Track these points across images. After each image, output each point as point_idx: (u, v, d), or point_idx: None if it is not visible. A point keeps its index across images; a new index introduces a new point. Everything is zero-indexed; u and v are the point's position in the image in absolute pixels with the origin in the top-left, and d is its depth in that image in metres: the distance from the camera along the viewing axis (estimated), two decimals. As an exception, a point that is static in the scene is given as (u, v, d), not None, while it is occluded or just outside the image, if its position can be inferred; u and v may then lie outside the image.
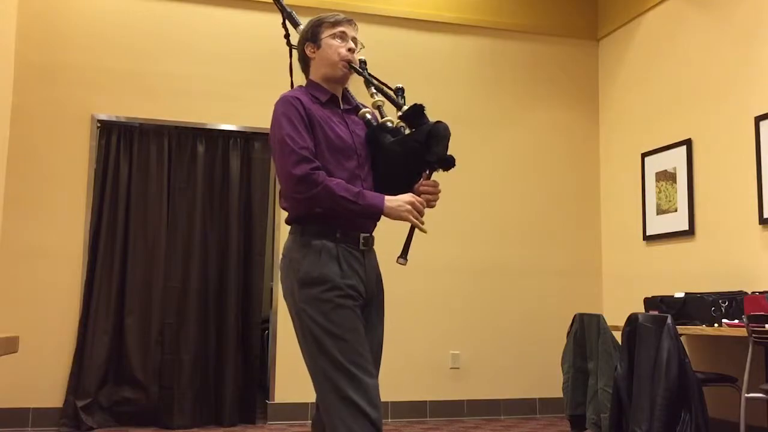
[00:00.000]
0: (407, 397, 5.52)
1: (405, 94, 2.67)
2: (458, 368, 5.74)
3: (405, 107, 2.50)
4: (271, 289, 5.59)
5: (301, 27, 2.89)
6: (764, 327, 3.56)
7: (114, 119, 5.27)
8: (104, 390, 5.00)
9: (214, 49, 5.51)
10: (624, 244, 5.89)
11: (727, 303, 4.20)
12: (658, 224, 5.48)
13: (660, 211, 5.46)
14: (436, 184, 2.44)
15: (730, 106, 4.86)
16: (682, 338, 3.99)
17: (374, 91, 2.64)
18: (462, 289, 5.79)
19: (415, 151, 2.42)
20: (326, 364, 2.24)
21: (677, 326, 3.88)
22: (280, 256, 2.46)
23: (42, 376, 4.94)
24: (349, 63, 2.47)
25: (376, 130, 2.50)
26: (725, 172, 4.88)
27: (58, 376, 4.96)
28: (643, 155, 5.66)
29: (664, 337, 3.76)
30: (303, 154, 2.28)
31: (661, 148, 5.47)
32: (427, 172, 2.43)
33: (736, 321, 4.04)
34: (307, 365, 2.33)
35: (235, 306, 5.30)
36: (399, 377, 5.44)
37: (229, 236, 5.36)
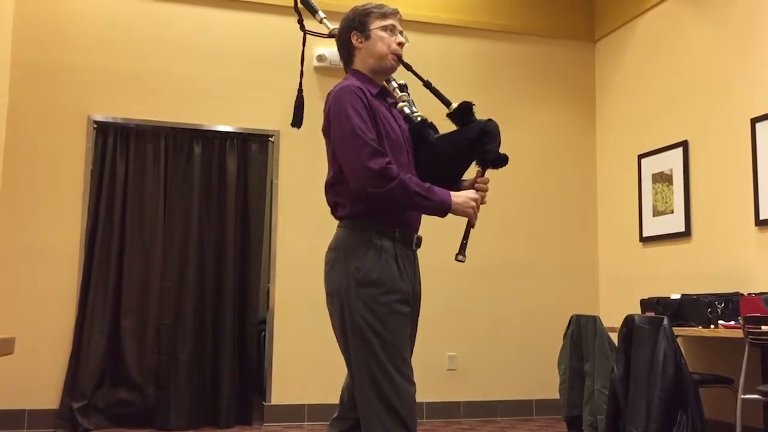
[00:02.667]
0: (404, 399, 5.51)
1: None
2: (455, 369, 5.74)
3: (453, 105, 2.49)
4: (268, 290, 5.58)
5: (320, 14, 2.87)
6: (760, 328, 3.56)
7: (110, 120, 5.26)
8: (100, 391, 4.99)
9: (210, 50, 5.50)
10: (620, 245, 5.89)
11: (723, 304, 4.20)
12: (654, 226, 5.48)
13: (656, 213, 5.47)
14: (488, 181, 2.45)
15: (726, 107, 4.87)
16: (679, 339, 3.99)
17: (395, 86, 2.63)
18: (459, 291, 5.79)
19: (466, 148, 2.42)
20: (374, 367, 2.21)
21: (673, 327, 3.88)
22: (328, 249, 2.38)
23: (38, 378, 4.93)
24: (398, 57, 2.46)
25: (420, 126, 2.48)
26: (721, 173, 4.89)
27: (54, 377, 4.95)
28: (640, 157, 5.67)
29: (661, 339, 3.76)
30: (376, 147, 2.23)
31: (657, 149, 5.47)
32: (481, 169, 2.45)
33: (732, 322, 4.04)
34: (348, 362, 2.30)
35: (231, 307, 5.29)
36: (396, 378, 5.44)
37: (226, 237, 5.35)
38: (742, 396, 3.69)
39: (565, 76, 6.29)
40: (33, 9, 5.19)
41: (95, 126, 5.23)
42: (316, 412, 5.31)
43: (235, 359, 5.27)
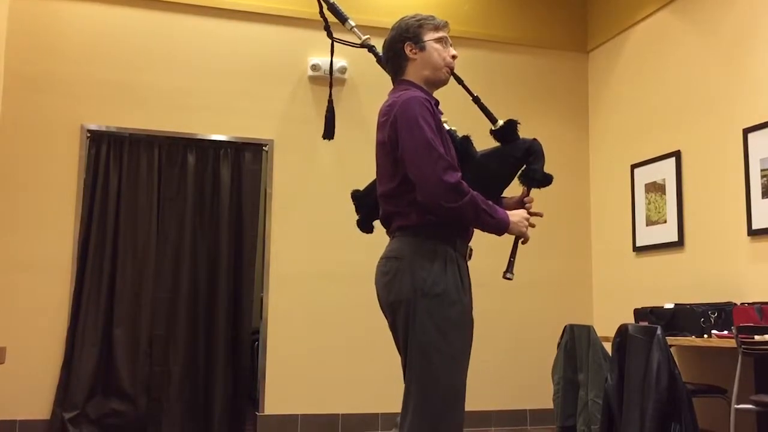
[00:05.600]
0: (399, 409, 5.49)
1: None
2: (449, 379, 5.72)
3: (499, 122, 2.51)
4: (261, 299, 5.57)
5: (350, 22, 2.82)
6: (753, 338, 3.56)
7: (104, 129, 5.25)
8: (92, 402, 4.96)
9: (204, 60, 5.51)
10: (614, 255, 5.90)
11: (716, 314, 4.21)
12: (647, 235, 5.50)
13: (649, 223, 5.49)
14: (533, 200, 2.50)
15: (718, 118, 4.90)
16: (672, 349, 4.00)
17: None
18: (452, 300, 5.78)
19: (511, 166, 2.47)
20: (430, 387, 2.19)
21: (667, 337, 3.88)
22: (387, 259, 2.34)
23: (29, 388, 4.89)
24: (451, 70, 2.47)
25: (464, 141, 2.47)
26: (714, 183, 4.91)
27: (45, 387, 4.92)
28: (633, 167, 5.69)
29: (654, 349, 3.76)
30: (450, 161, 2.21)
31: (650, 159, 5.49)
32: (526, 188, 2.50)
33: (726, 332, 4.05)
34: (407, 369, 2.27)
35: (224, 317, 5.28)
36: (389, 388, 5.40)
37: (219, 247, 5.34)
38: (736, 406, 3.69)
39: (558, 86, 6.32)
40: (27, 19, 5.19)
41: (89, 135, 5.22)
42: (309, 422, 5.29)
43: (228, 369, 5.25)
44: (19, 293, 4.96)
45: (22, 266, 4.98)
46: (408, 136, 2.23)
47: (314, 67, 5.62)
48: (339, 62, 5.62)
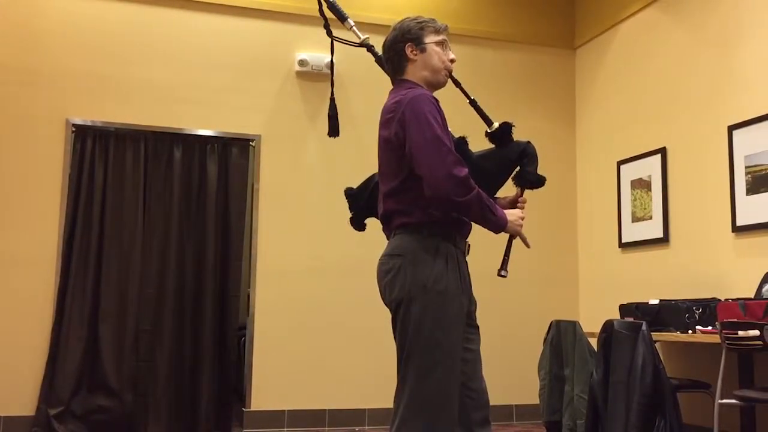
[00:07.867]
0: (385, 404, 5.49)
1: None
2: (435, 375, 5.73)
3: (495, 124, 2.55)
4: (248, 295, 5.56)
5: (350, 21, 2.84)
6: (737, 333, 3.59)
7: (89, 124, 5.21)
8: (77, 398, 4.93)
9: (191, 54, 5.48)
10: (600, 251, 5.93)
11: (700, 310, 4.24)
12: (633, 232, 5.53)
13: (635, 219, 5.52)
14: (526, 201, 2.53)
15: (704, 115, 4.93)
16: (657, 345, 4.02)
17: None
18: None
19: (506, 168, 2.51)
20: (427, 383, 2.21)
21: (652, 333, 3.91)
22: (388, 256, 2.35)
23: (14, 384, 4.86)
24: (449, 73, 2.52)
25: (461, 142, 2.49)
26: (699, 180, 4.94)
27: (30, 383, 4.88)
28: (619, 163, 5.72)
29: (639, 344, 3.78)
30: (458, 157, 2.24)
31: (636, 156, 5.52)
32: (520, 189, 2.53)
33: (710, 328, 4.08)
34: (405, 364, 2.29)
35: (211, 312, 5.26)
36: (378, 384, 5.43)
37: (206, 242, 5.32)
38: (719, 401, 3.72)
39: (546, 82, 6.33)
40: (11, 12, 5.14)
41: (74, 129, 5.18)
42: (295, 417, 5.29)
43: (214, 365, 5.23)
44: (3, 288, 4.92)
45: (6, 261, 4.94)
46: (417, 131, 2.25)
47: (302, 63, 5.61)
48: (326, 58, 5.59)
